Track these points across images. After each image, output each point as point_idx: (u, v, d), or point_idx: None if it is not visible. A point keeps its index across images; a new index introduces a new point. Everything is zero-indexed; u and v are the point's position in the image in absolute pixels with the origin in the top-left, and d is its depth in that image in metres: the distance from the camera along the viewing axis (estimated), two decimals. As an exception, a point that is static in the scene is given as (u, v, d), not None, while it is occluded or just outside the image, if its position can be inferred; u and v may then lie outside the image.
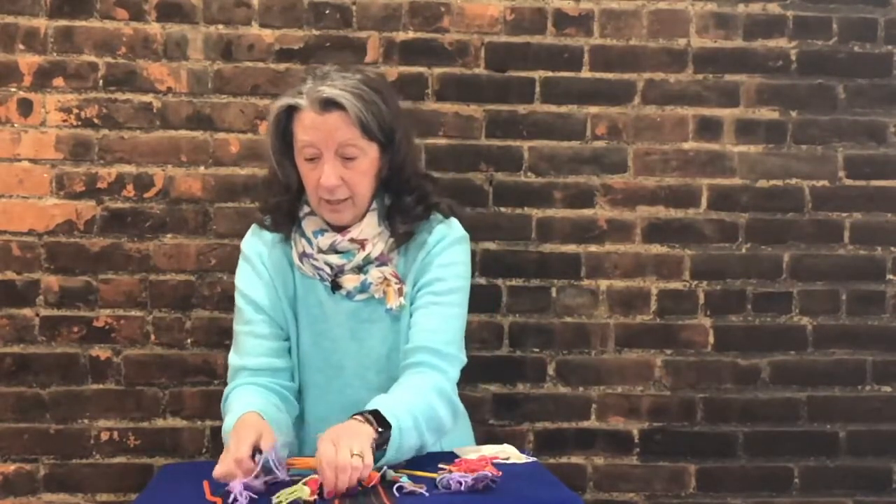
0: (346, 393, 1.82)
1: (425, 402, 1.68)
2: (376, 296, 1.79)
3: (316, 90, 1.71)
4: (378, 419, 1.57)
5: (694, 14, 2.43)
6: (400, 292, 1.79)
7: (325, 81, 1.73)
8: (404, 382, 1.73)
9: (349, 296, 1.80)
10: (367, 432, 1.54)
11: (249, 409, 1.66)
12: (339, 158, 1.72)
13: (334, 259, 1.78)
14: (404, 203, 1.81)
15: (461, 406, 1.82)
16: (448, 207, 1.88)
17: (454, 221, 1.87)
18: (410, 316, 1.80)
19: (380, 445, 1.55)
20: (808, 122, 2.45)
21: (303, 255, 1.81)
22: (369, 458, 1.48)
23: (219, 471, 1.50)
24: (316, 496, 1.44)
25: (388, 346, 1.82)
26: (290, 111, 1.75)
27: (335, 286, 1.80)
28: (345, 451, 1.46)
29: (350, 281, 1.79)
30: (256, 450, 1.51)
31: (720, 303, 2.43)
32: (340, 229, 1.79)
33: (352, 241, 1.77)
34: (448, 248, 1.82)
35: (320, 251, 1.78)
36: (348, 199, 1.75)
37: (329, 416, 1.80)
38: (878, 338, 2.46)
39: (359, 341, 1.82)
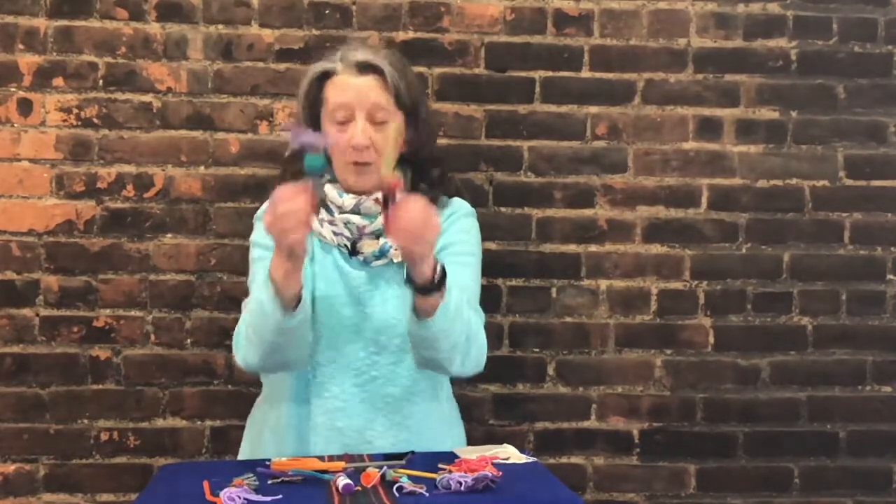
0: (360, 356, 1.83)
1: (464, 310, 1.73)
2: (395, 260, 1.81)
3: (352, 55, 1.80)
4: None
5: (694, 14, 2.43)
6: None
7: (358, 49, 1.82)
8: None
9: (366, 261, 1.81)
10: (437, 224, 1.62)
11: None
12: (369, 121, 1.78)
13: (356, 219, 1.81)
14: (431, 175, 1.88)
15: (484, 342, 1.81)
16: (458, 188, 1.99)
17: (463, 201, 1.96)
18: None
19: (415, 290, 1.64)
20: (808, 122, 2.45)
21: (322, 221, 1.82)
22: (436, 229, 1.59)
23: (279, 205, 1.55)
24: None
25: (405, 310, 1.83)
26: (323, 78, 1.82)
27: (353, 251, 1.81)
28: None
29: (369, 245, 1.82)
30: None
31: (720, 303, 2.43)
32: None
33: (376, 201, 1.80)
34: (462, 218, 1.90)
35: (342, 212, 1.81)
36: (374, 162, 1.78)
37: (343, 381, 1.82)
38: (878, 338, 2.46)
39: (374, 305, 1.83)
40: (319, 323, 1.84)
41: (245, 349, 1.75)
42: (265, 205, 1.89)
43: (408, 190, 1.84)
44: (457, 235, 1.87)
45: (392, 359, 1.82)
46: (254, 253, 1.86)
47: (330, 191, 1.83)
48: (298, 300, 1.66)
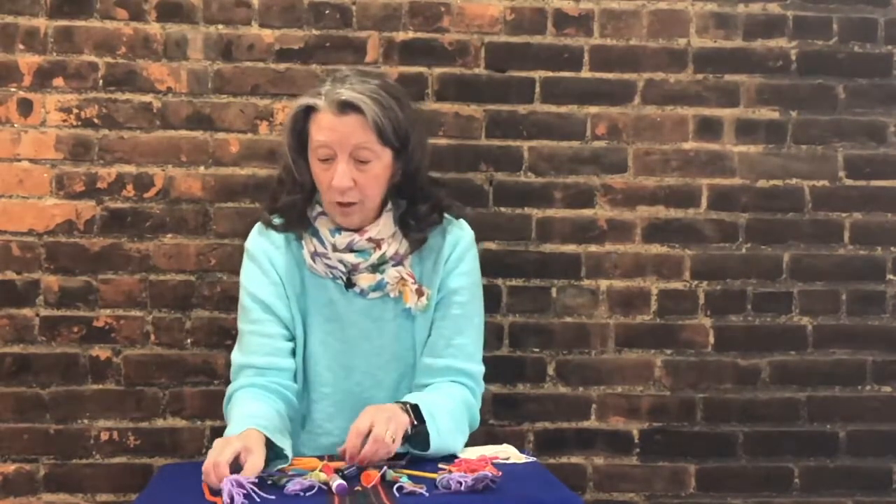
0: (355, 392, 1.83)
1: (458, 409, 1.76)
2: (391, 295, 1.81)
3: (335, 92, 1.73)
4: (416, 414, 1.65)
5: (694, 14, 2.43)
6: (419, 293, 1.80)
7: (343, 84, 1.74)
8: (441, 388, 1.79)
9: (363, 293, 1.81)
10: (405, 421, 1.62)
11: (252, 425, 1.62)
12: (352, 161, 1.74)
13: (350, 257, 1.80)
14: (419, 211, 1.84)
15: (478, 420, 1.89)
16: (457, 209, 1.93)
17: (464, 223, 1.92)
18: (432, 322, 1.84)
19: (408, 438, 1.64)
20: (808, 122, 2.45)
21: (315, 255, 1.81)
22: (398, 444, 1.58)
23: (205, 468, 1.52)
24: (334, 476, 1.49)
25: (401, 345, 1.83)
26: (308, 111, 1.77)
27: (349, 284, 1.81)
28: (382, 427, 1.55)
29: (365, 280, 1.81)
30: (237, 464, 1.52)
31: (720, 303, 2.43)
32: (357, 229, 1.80)
33: (369, 240, 1.79)
34: (465, 253, 1.87)
35: (335, 250, 1.80)
36: (358, 202, 1.76)
37: (336, 415, 1.81)
38: (878, 338, 2.46)
39: (370, 340, 1.82)
40: (313, 360, 1.83)
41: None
42: (253, 234, 1.88)
43: (397, 221, 1.84)
44: (460, 280, 1.85)
45: (390, 393, 1.82)
46: (244, 298, 1.85)
47: (322, 227, 1.82)
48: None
